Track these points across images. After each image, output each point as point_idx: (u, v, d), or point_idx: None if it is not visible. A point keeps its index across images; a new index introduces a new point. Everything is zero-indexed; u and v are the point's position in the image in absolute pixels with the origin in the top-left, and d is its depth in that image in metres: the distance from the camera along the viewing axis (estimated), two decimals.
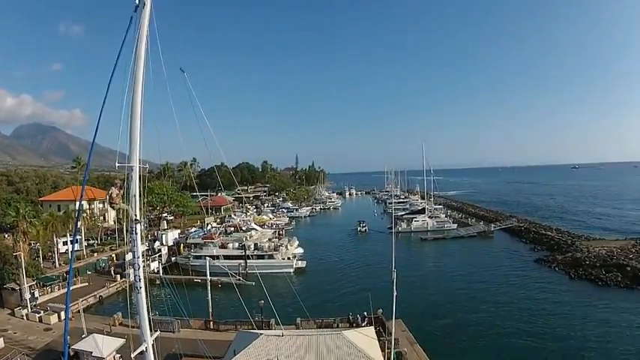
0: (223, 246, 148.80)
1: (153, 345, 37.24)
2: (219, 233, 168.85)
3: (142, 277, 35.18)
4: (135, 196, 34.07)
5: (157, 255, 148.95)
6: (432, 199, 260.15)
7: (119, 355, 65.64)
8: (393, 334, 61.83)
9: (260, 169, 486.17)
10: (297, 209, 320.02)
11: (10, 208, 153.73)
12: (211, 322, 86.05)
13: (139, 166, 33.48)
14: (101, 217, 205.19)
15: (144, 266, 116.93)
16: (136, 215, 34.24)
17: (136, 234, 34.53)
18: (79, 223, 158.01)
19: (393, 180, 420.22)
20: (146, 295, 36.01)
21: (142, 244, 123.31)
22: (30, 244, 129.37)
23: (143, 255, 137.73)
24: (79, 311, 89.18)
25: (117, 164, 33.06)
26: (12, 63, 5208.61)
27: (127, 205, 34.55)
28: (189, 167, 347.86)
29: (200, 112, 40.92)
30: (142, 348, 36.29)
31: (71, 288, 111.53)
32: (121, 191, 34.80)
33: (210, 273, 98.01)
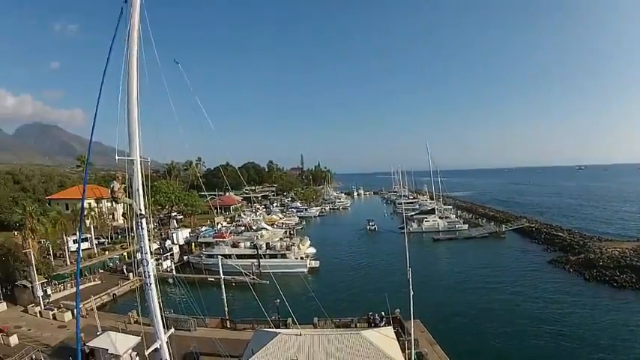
0: (235, 245, 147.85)
1: (168, 343, 36.16)
2: (230, 232, 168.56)
3: (151, 273, 34.73)
4: (138, 190, 33.41)
5: (168, 254, 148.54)
6: (441, 199, 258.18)
7: (135, 353, 64.55)
8: (412, 335, 60.99)
9: (266, 169, 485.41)
10: (306, 209, 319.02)
11: (16, 206, 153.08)
12: (228, 321, 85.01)
13: (140, 160, 32.55)
14: (110, 216, 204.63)
15: (157, 264, 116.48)
16: (140, 210, 33.68)
17: (143, 229, 33.88)
18: (87, 222, 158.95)
19: (400, 180, 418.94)
20: (158, 291, 35.56)
21: (153, 242, 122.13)
22: (40, 242, 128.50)
23: (155, 253, 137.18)
24: (92, 309, 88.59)
25: (116, 157, 31.75)
26: (11, 63, 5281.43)
27: (130, 200, 33.23)
28: (195, 166, 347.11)
29: (198, 104, 39.92)
30: (157, 345, 35.59)
31: (84, 286, 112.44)
32: (123, 185, 33.41)
33: (223, 272, 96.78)
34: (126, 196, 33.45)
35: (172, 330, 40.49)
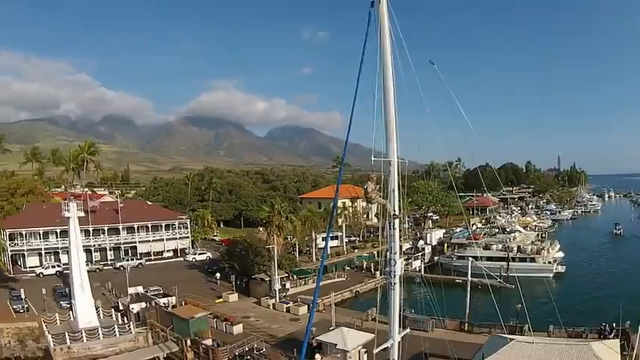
0: (487, 247, 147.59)
1: (400, 342, 36.53)
2: (484, 234, 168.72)
3: (397, 273, 34.59)
4: (393, 191, 33.57)
5: (419, 254, 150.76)
6: None
7: (364, 350, 65.45)
8: (635, 349, 59.16)
9: (524, 170, 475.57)
10: (559, 211, 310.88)
11: (264, 204, 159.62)
12: (466, 324, 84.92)
13: (397, 161, 32.76)
14: (364, 215, 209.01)
15: (406, 264, 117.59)
16: (394, 210, 33.74)
17: (394, 229, 33.95)
18: (339, 220, 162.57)
19: None
20: (401, 291, 36.11)
21: (406, 241, 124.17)
22: (286, 239, 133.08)
23: (405, 253, 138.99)
24: (330, 304, 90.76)
25: (372, 158, 32.45)
26: (261, 70, 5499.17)
27: (384, 200, 33.90)
28: (454, 167, 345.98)
29: (457, 106, 39.34)
30: (387, 344, 35.90)
31: (327, 282, 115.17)
32: (377, 186, 34.16)
33: (471, 274, 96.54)
34: (380, 197, 34.12)
35: (407, 330, 41.08)
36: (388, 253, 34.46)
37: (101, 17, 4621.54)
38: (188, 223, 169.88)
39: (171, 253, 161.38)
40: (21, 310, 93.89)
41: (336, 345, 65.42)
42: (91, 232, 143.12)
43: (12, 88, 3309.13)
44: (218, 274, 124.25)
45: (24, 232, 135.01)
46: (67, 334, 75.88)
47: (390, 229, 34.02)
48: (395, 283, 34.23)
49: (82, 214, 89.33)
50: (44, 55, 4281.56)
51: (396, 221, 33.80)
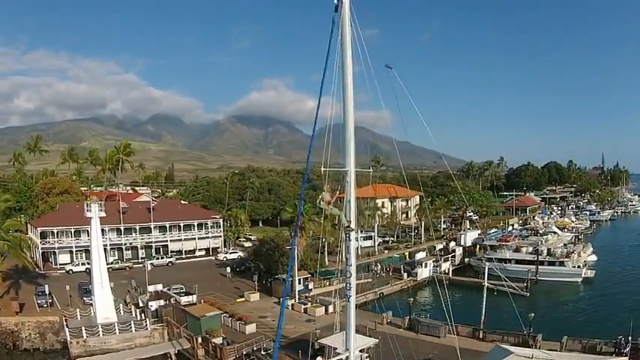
0: (517, 249, 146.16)
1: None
2: (515, 236, 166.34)
3: (353, 285, 35.29)
4: (349, 201, 34.16)
5: (449, 255, 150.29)
6: None
7: (366, 355, 64.43)
8: None
9: (567, 169, 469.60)
10: (598, 212, 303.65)
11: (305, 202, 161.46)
12: (480, 332, 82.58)
13: (354, 170, 32.98)
14: (404, 215, 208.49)
15: (435, 265, 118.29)
16: (349, 222, 34.07)
17: (350, 240, 34.39)
18: (371, 221, 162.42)
19: None
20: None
21: (439, 242, 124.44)
22: (318, 239, 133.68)
23: (435, 254, 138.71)
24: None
25: (322, 168, 32.79)
26: (311, 69, 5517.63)
27: (339, 211, 34.02)
28: (496, 166, 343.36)
29: (414, 108, 39.49)
30: (342, 356, 36.14)
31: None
32: (333, 196, 34.35)
33: (497, 277, 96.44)
34: (333, 207, 34.19)
35: (373, 341, 41.39)
36: (345, 265, 34.71)
37: (149, 19, 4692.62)
38: (221, 222, 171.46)
39: (203, 252, 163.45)
40: (44, 305, 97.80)
41: (335, 349, 65.52)
42: (123, 230, 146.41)
43: (56, 88, 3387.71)
44: (228, 269, 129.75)
45: (55, 231, 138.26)
46: (84, 328, 79.58)
47: (345, 240, 34.69)
48: (350, 296, 34.70)
49: (104, 214, 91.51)
50: (90, 56, 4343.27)
51: (352, 233, 34.04)
